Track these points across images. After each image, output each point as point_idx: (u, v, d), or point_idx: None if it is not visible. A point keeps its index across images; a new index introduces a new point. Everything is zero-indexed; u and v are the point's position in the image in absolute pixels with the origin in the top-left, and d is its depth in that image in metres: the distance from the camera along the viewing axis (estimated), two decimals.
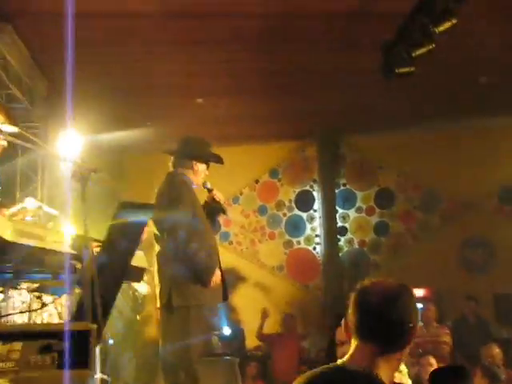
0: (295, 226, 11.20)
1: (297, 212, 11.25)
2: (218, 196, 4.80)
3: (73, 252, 2.57)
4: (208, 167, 4.87)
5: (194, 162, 4.75)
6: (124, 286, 7.15)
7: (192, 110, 9.66)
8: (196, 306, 4.42)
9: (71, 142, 7.99)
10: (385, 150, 10.79)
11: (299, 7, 6.77)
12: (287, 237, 11.20)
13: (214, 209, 4.82)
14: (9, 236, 2.27)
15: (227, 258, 10.82)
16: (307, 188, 11.27)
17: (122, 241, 2.67)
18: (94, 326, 2.29)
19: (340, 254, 10.88)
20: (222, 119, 10.01)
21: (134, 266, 3.41)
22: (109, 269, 2.57)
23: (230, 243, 11.21)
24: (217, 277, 4.54)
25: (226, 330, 9.29)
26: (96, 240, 2.77)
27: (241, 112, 9.89)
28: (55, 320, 5.42)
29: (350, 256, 10.93)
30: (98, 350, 2.43)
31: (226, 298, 4.82)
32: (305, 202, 11.22)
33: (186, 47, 7.74)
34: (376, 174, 11.04)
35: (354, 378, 2.28)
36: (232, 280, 10.60)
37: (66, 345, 2.14)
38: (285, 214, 11.27)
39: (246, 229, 11.27)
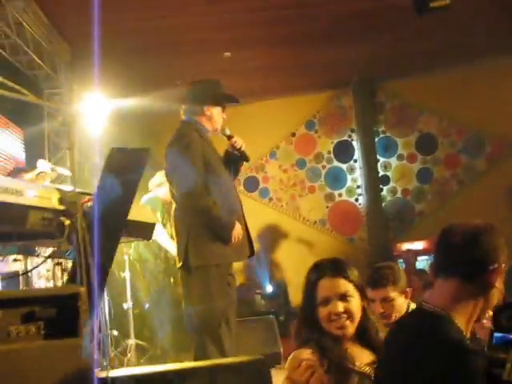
0: (335, 178, 10.88)
1: (336, 163, 10.92)
2: (239, 142, 4.41)
3: (60, 208, 2.35)
4: (224, 110, 4.49)
5: (206, 108, 4.39)
6: (155, 247, 7.01)
7: (221, 65, 9.35)
8: (216, 265, 4.10)
9: (98, 106, 7.82)
10: (424, 93, 10.31)
11: None
12: (328, 189, 10.90)
13: (235, 157, 4.46)
14: None
15: (268, 214, 10.69)
16: (345, 138, 10.91)
17: (115, 191, 2.44)
18: (82, 289, 2.07)
19: (383, 204, 10.54)
20: (252, 72, 9.70)
21: (142, 222, 3.20)
22: (103, 223, 2.34)
23: (270, 200, 10.98)
24: (237, 231, 4.18)
25: (269, 288, 9.10)
26: (87, 193, 2.55)
27: (272, 64, 9.54)
28: None
29: (394, 206, 10.58)
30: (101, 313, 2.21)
31: (251, 253, 4.48)
32: (344, 152, 10.88)
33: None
34: (416, 119, 10.60)
35: (425, 318, 2.21)
36: (274, 237, 10.48)
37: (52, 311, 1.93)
38: (324, 167, 10.95)
39: (285, 184, 11.00)
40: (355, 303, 2.72)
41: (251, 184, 10.99)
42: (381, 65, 9.74)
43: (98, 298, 2.27)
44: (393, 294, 3.59)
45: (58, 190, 2.38)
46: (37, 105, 7.94)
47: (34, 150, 7.90)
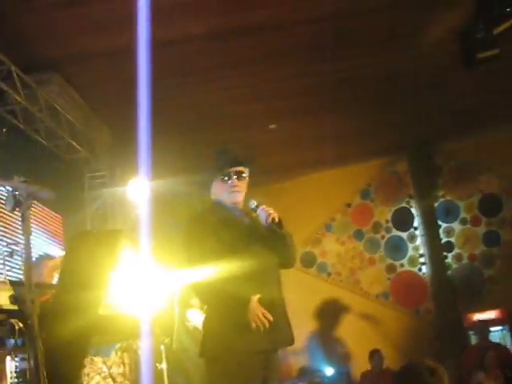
0: (396, 248, 10.34)
1: (396, 232, 10.40)
2: (265, 212, 3.85)
3: (11, 307, 1.97)
4: (231, 178, 3.92)
5: (213, 183, 3.96)
6: (198, 334, 6.56)
7: (267, 137, 9.10)
8: (234, 354, 3.54)
9: (140, 188, 7.63)
10: (482, 152, 9.82)
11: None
12: (389, 260, 10.37)
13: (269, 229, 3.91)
14: None
15: (327, 289, 10.25)
16: (403, 205, 10.41)
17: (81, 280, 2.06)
18: None
19: (449, 273, 9.92)
20: (300, 143, 9.42)
21: None
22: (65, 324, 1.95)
23: (329, 274, 10.52)
24: (254, 310, 3.56)
25: (329, 371, 8.47)
26: (44, 287, 2.17)
27: (321, 133, 9.20)
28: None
29: (461, 273, 9.91)
30: None
31: (289, 340, 3.86)
32: (403, 220, 10.36)
33: (250, 67, 7.21)
34: (477, 179, 10.05)
35: None
36: (334, 313, 9.96)
37: None
38: (383, 237, 10.45)
39: (343, 257, 10.54)
40: None
41: (308, 259, 10.56)
42: (435, 126, 9.29)
43: None
44: None
45: (13, 284, 2.01)
46: (77, 189, 7.83)
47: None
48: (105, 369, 4.68)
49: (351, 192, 10.62)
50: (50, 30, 6.08)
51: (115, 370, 4.88)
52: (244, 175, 3.84)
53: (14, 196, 2.03)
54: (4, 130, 6.16)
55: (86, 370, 4.69)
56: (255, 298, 3.54)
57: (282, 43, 6.75)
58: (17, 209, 2.03)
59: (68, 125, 7.08)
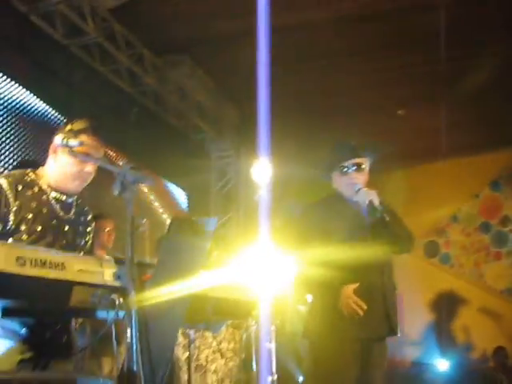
0: None
1: None
2: (364, 194, 3.81)
3: (112, 284, 2.14)
4: (349, 170, 3.90)
5: (331, 176, 3.98)
6: (303, 311, 6.66)
7: (394, 124, 8.96)
8: (331, 339, 3.60)
9: (265, 170, 7.77)
10: None
11: None
12: None
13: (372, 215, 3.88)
14: (10, 266, 1.89)
15: (448, 281, 10.00)
16: None
17: (178, 264, 2.19)
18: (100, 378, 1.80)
19: None
20: (428, 131, 9.19)
21: (237, 301, 2.86)
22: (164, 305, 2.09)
23: (451, 266, 10.22)
24: (346, 298, 3.57)
25: (443, 365, 8.30)
26: (147, 265, 2.31)
27: (450, 121, 8.94)
28: (218, 358, 5.13)
29: None
30: None
31: (390, 331, 3.85)
32: None
33: (377, 53, 7.15)
34: None
35: None
36: (454, 306, 9.71)
37: None
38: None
39: (467, 249, 10.20)
40: None
41: (431, 249, 10.33)
42: None
43: None
44: None
45: (117, 262, 2.18)
46: (203, 167, 8.11)
47: (199, 213, 8.00)
48: (214, 343, 4.89)
49: (480, 183, 10.24)
50: (181, 13, 6.30)
51: (225, 346, 5.08)
52: (363, 166, 3.82)
53: (122, 182, 2.18)
54: (135, 110, 6.51)
55: (197, 343, 4.93)
56: (350, 286, 3.59)
57: (409, 29, 6.62)
58: (123, 193, 2.18)
59: (196, 106, 7.34)
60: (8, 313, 2.19)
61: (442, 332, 9.49)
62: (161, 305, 2.13)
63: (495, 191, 10.17)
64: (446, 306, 9.68)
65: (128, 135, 6.66)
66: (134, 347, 2.02)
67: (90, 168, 2.77)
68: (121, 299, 2.08)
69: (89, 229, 2.98)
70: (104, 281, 2.12)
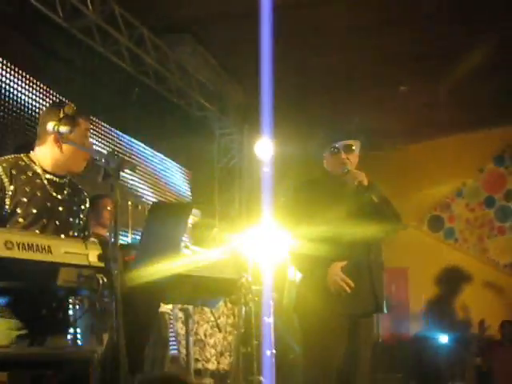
0: None
1: None
2: (353, 177, 3.92)
3: (98, 264, 2.26)
4: (339, 151, 4.00)
5: (324, 154, 4.09)
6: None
7: (397, 100, 8.99)
8: (319, 315, 3.73)
9: (267, 149, 7.85)
10: None
11: None
12: None
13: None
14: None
15: (453, 256, 10.09)
16: None
17: (158, 246, 2.31)
18: (95, 353, 1.94)
19: None
20: (432, 107, 9.21)
21: (226, 279, 2.97)
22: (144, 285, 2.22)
23: (456, 240, 10.32)
24: (333, 275, 3.68)
25: (443, 338, 8.41)
26: (131, 247, 2.44)
27: (453, 96, 8.96)
28: (216, 332, 5.28)
29: None
30: None
31: (376, 308, 3.96)
32: None
33: (379, 29, 7.16)
34: None
35: None
36: (458, 280, 9.82)
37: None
38: None
39: (471, 224, 10.29)
40: None
41: (436, 224, 10.44)
42: None
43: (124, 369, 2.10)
44: None
45: (101, 244, 2.31)
46: (206, 145, 8.21)
47: (202, 190, 8.11)
48: (212, 318, 5.04)
49: (484, 157, 10.28)
50: None
51: (223, 320, 5.23)
52: (353, 148, 3.94)
53: (105, 168, 2.30)
54: (137, 89, 6.60)
55: (196, 318, 5.09)
56: (338, 264, 3.71)
57: (417, 5, 6.63)
58: (107, 180, 2.29)
59: (199, 84, 7.41)
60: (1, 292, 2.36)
61: (445, 306, 9.60)
62: (142, 284, 2.26)
63: (499, 166, 10.22)
64: (449, 280, 9.78)
65: (130, 114, 6.77)
66: (117, 324, 2.15)
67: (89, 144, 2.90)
68: (105, 279, 2.21)
69: (82, 207, 3.07)
70: (89, 262, 2.26)
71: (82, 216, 3.05)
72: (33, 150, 2.95)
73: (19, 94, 5.44)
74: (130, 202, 5.08)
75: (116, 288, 2.15)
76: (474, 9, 6.68)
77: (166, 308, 5.09)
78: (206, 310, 5.06)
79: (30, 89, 5.55)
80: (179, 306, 4.88)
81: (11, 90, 5.35)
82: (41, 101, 5.66)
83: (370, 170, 3.98)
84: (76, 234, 2.98)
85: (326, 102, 8.83)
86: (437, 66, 8.01)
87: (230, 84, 8.12)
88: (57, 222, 2.86)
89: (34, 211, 2.79)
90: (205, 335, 5.09)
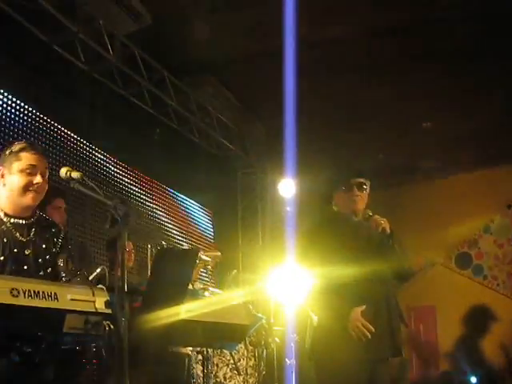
0: None
1: None
2: (376, 223, 3.92)
3: (104, 311, 2.25)
4: (352, 188, 4.00)
5: (335, 194, 4.08)
6: None
7: (421, 136, 8.95)
8: (338, 361, 3.64)
9: (289, 187, 7.85)
10: None
11: None
12: None
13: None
14: (3, 297, 2.03)
15: (481, 293, 9.89)
16: None
17: (165, 291, 2.30)
18: None
19: None
20: (457, 142, 9.14)
21: (235, 325, 2.93)
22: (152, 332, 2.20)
23: (484, 277, 10.10)
24: (355, 320, 3.63)
25: (473, 379, 8.21)
26: (138, 293, 2.43)
27: (478, 131, 8.89)
28: (236, 375, 5.21)
29: None
30: None
31: (395, 353, 3.88)
32: None
33: (403, 66, 7.18)
34: None
35: None
36: (486, 319, 9.59)
37: None
38: None
39: (500, 261, 10.08)
40: None
41: (463, 261, 10.25)
42: None
43: None
44: None
45: (109, 291, 2.31)
46: (229, 184, 8.22)
47: (225, 230, 8.11)
48: (232, 361, 4.97)
49: None
50: (203, 35, 6.42)
51: (243, 363, 5.16)
52: (365, 187, 3.96)
53: (112, 215, 2.30)
54: (158, 130, 6.67)
55: (215, 361, 5.03)
56: (358, 309, 3.65)
57: (435, 43, 6.65)
58: (114, 227, 2.30)
59: (220, 124, 7.46)
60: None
61: (474, 345, 9.39)
62: (150, 329, 2.25)
63: None
64: (478, 318, 9.57)
65: (152, 155, 6.83)
66: (125, 370, 2.14)
67: (38, 178, 2.88)
68: (111, 326, 2.21)
69: (55, 239, 3.05)
70: (96, 308, 2.26)
71: (54, 250, 3.02)
72: None
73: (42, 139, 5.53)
74: (149, 245, 5.10)
75: (123, 334, 2.15)
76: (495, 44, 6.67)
77: (186, 350, 5.05)
78: (226, 352, 5.01)
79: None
80: (198, 348, 4.83)
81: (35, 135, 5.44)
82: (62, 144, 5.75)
83: (398, 205, 3.98)
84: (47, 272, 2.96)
85: (350, 140, 8.82)
86: (461, 101, 7.99)
87: (252, 123, 8.15)
88: (25, 267, 2.87)
89: (1, 258, 2.81)
90: (224, 378, 5.02)
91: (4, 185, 2.92)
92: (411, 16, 6.29)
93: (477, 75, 7.32)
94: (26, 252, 2.89)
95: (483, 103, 8.00)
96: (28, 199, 2.90)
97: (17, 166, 2.87)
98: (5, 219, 2.90)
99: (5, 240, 2.84)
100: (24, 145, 2.95)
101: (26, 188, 2.88)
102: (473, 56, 6.91)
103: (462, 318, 9.62)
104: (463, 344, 9.40)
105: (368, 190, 4.00)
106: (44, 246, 2.98)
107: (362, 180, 3.94)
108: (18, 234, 2.90)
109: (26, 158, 2.89)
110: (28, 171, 2.85)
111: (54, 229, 3.08)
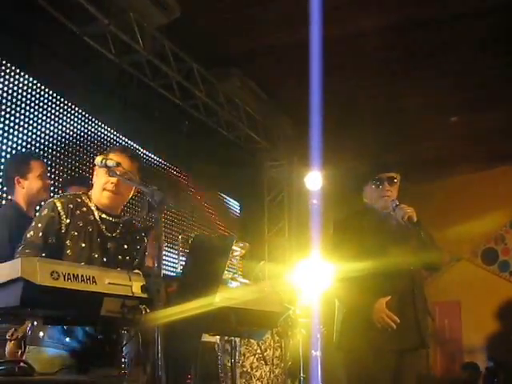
0: None
1: None
2: (402, 213, 3.92)
3: (140, 296, 2.31)
4: (382, 183, 4.02)
5: (365, 187, 4.10)
6: None
7: (449, 130, 8.89)
8: (363, 351, 3.68)
9: (315, 180, 7.85)
10: None
11: None
12: None
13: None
14: (45, 280, 2.10)
15: (507, 289, 9.79)
16: None
17: (200, 278, 2.34)
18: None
19: None
20: (486, 136, 9.08)
21: (267, 312, 2.96)
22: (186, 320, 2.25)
23: (511, 274, 10.06)
24: (379, 311, 3.68)
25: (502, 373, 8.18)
26: (173, 279, 2.47)
27: (507, 125, 8.82)
28: (263, 365, 5.25)
29: None
30: None
31: (420, 344, 3.91)
32: None
33: (429, 60, 7.16)
34: None
35: None
36: None
37: None
38: None
39: None
40: None
41: (489, 256, 10.21)
42: None
43: None
44: None
45: (145, 276, 2.36)
46: (256, 177, 8.26)
47: (252, 222, 8.15)
48: (259, 351, 5.01)
49: None
50: (231, 27, 6.45)
51: (270, 353, 5.19)
52: (395, 181, 3.98)
53: (149, 202, 2.36)
54: (187, 122, 6.73)
55: (242, 350, 5.08)
56: (383, 299, 3.69)
57: (459, 36, 6.61)
58: (151, 213, 2.35)
59: (247, 116, 7.49)
60: (48, 321, 2.46)
61: (503, 341, 9.34)
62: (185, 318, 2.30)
63: None
64: (506, 315, 9.52)
65: (180, 147, 6.88)
66: (159, 355, 2.20)
67: (114, 179, 2.94)
68: (148, 310, 2.27)
69: (138, 246, 3.17)
70: (132, 292, 2.32)
71: (134, 253, 3.13)
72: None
73: (74, 129, 5.61)
74: (180, 236, 5.16)
75: (158, 319, 2.20)
76: None
77: (215, 339, 5.10)
78: (253, 342, 5.04)
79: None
80: (225, 337, 4.88)
81: (64, 124, 5.51)
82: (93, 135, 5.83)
83: (424, 200, 3.97)
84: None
85: (377, 134, 8.80)
86: (490, 94, 7.94)
87: (279, 116, 8.16)
88: (104, 259, 2.96)
89: (83, 245, 2.91)
90: (251, 367, 5.06)
91: (95, 182, 3.08)
92: (437, 10, 6.28)
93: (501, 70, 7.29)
94: (108, 245, 3.00)
95: None
96: (106, 199, 3.02)
97: (110, 167, 2.94)
98: (95, 211, 3.01)
99: (90, 229, 2.95)
100: (124, 151, 3.10)
101: (102, 187, 3.01)
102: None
103: (490, 313, 9.59)
104: (496, 340, 9.37)
105: (398, 184, 4.02)
106: (125, 246, 3.10)
107: (392, 174, 3.97)
108: (103, 227, 3.01)
109: (121, 164, 2.95)
110: (118, 176, 2.93)
111: (138, 235, 3.20)
